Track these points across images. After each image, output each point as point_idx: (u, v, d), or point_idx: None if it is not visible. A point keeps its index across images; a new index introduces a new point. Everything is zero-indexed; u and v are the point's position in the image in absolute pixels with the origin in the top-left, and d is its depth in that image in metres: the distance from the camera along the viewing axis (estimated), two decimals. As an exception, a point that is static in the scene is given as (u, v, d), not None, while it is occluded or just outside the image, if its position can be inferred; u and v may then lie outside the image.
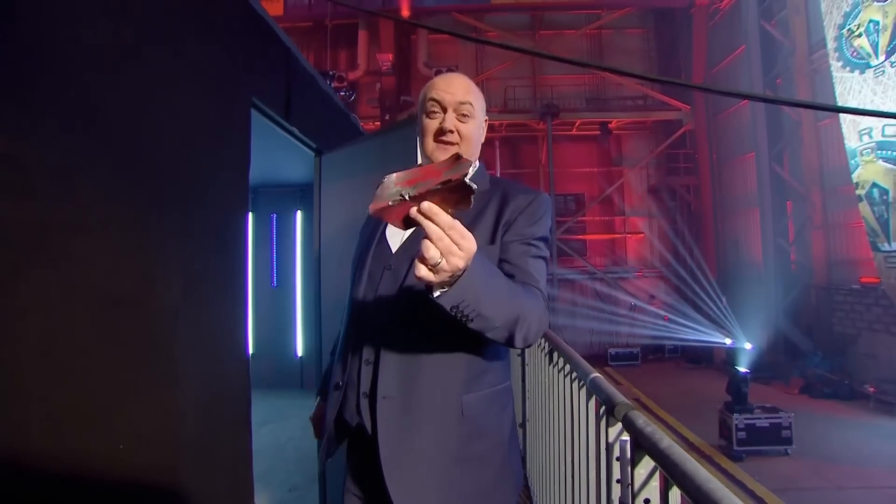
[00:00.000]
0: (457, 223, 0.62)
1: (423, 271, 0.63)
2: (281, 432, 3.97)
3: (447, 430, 0.86)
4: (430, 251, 0.61)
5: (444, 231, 0.61)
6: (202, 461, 1.53)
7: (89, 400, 1.12)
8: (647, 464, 0.83)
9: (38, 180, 1.01)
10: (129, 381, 1.24)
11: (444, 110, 0.95)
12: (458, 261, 0.63)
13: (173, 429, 1.40)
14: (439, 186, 0.60)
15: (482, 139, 1.01)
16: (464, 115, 0.95)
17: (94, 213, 1.15)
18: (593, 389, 1.14)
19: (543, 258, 0.92)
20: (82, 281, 1.10)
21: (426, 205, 0.61)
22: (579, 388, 1.31)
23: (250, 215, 1.88)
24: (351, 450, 1.00)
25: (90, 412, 1.12)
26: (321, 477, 2.57)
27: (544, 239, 0.93)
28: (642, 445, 0.81)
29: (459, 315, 0.70)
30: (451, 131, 0.93)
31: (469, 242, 0.63)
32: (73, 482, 1.06)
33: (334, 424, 0.96)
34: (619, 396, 0.99)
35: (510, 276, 0.86)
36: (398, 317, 0.89)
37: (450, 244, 0.61)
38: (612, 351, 11.10)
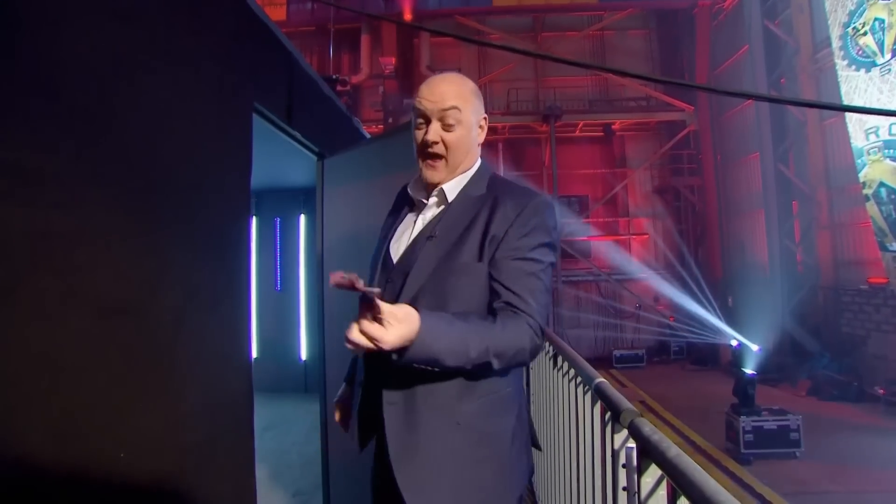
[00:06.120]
0: (390, 310, 0.72)
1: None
2: (284, 437, 3.97)
3: (448, 435, 0.89)
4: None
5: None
6: (205, 466, 1.52)
7: (92, 407, 1.11)
8: (654, 472, 0.82)
9: (41, 188, 1.01)
10: (132, 388, 1.24)
11: (428, 120, 0.90)
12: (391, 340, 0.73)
13: (176, 434, 1.39)
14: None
15: (479, 140, 0.97)
16: (448, 125, 0.90)
17: (96, 221, 1.15)
18: (599, 395, 1.12)
19: (539, 272, 0.86)
20: (85, 288, 1.10)
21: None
22: (584, 393, 1.30)
23: (254, 219, 1.88)
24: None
25: (93, 419, 1.11)
26: (325, 482, 2.56)
27: (545, 245, 0.88)
28: (649, 454, 0.79)
29: (423, 368, 0.79)
30: (436, 142, 0.90)
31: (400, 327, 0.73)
32: (76, 489, 1.05)
33: (359, 418, 1.01)
34: (625, 402, 0.98)
35: (497, 295, 0.85)
36: None
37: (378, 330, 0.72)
38: (616, 353, 11.04)
